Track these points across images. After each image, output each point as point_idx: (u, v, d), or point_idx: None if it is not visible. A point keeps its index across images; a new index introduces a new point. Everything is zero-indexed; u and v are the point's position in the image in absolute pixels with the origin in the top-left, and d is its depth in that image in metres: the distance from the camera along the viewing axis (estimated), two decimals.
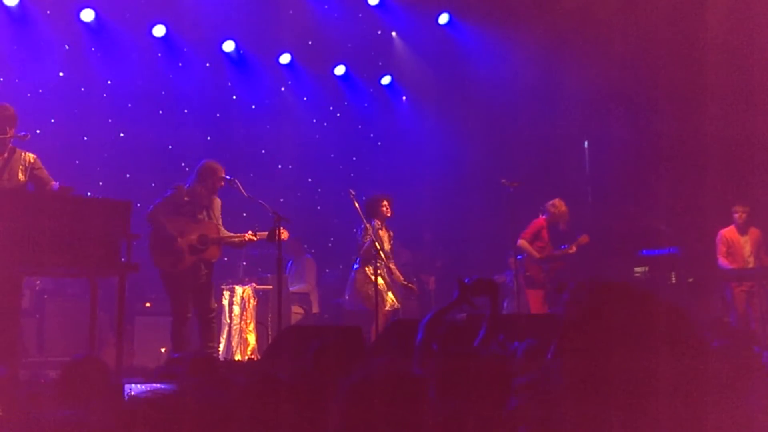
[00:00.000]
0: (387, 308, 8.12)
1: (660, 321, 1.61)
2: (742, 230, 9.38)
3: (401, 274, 8.62)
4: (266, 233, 7.26)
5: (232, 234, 7.36)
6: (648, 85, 11.20)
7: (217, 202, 7.38)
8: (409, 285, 8.47)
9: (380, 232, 8.24)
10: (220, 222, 7.36)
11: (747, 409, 1.91)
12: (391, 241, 8.43)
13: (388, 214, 8.36)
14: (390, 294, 8.16)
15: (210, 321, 7.24)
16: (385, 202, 8.36)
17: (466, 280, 3.88)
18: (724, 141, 9.87)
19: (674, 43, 10.55)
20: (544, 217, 9.48)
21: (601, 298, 1.65)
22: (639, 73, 11.22)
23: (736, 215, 9.37)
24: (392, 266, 8.32)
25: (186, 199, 7.13)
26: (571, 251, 9.41)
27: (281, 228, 7.11)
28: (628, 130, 11.38)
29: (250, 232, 7.36)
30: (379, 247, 7.99)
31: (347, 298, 8.50)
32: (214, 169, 7.26)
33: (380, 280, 8.04)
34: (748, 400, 1.95)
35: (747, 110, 9.68)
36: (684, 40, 10.40)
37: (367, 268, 8.16)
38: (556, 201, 9.43)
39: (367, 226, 8.10)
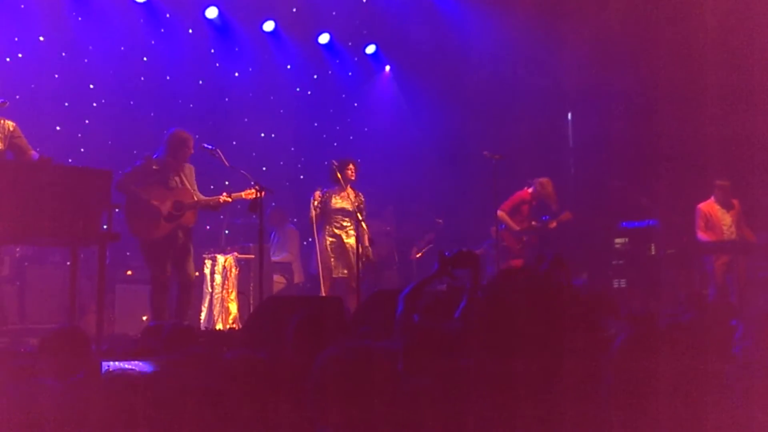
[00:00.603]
0: (333, 275, 8.32)
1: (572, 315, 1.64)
2: (724, 204, 9.39)
3: (381, 243, 8.78)
4: (241, 193, 7.32)
5: (207, 198, 7.36)
6: (648, 83, 11.17)
7: (190, 169, 7.36)
8: (367, 250, 8.46)
9: (342, 194, 8.35)
10: (195, 188, 7.34)
11: (747, 409, 1.92)
12: (359, 205, 8.42)
13: (353, 178, 8.47)
14: (337, 261, 8.32)
15: (189, 288, 7.26)
16: (350, 166, 8.46)
17: (446, 253, 3.91)
18: (724, 141, 9.90)
19: (673, 42, 10.51)
20: (529, 190, 9.54)
21: (507, 282, 1.68)
22: (641, 66, 11.21)
23: (719, 190, 9.36)
24: (350, 228, 8.38)
25: (155, 168, 7.11)
26: (551, 225, 9.50)
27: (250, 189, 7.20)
28: (637, 118, 11.36)
29: (224, 193, 7.37)
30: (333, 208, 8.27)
31: (312, 261, 8.68)
32: (182, 137, 7.23)
33: (329, 246, 8.33)
34: (748, 400, 1.97)
35: (747, 110, 9.71)
36: (684, 40, 10.36)
37: (325, 233, 8.35)
38: (544, 180, 9.50)
39: (316, 194, 8.34)
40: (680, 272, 9.86)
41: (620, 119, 11.15)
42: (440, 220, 11.51)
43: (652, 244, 10.17)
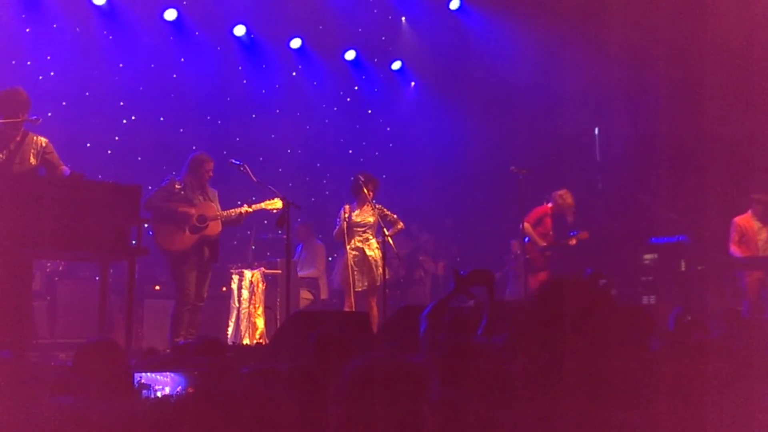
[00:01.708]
0: (357, 289, 8.27)
1: (613, 320, 1.61)
2: (762, 218, 9.17)
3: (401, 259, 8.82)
4: (261, 204, 7.43)
5: (229, 210, 7.45)
6: (652, 82, 11.12)
7: (214, 193, 7.55)
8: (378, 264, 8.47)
9: (363, 208, 8.40)
10: (219, 208, 7.49)
11: (747, 409, 1.90)
12: (379, 217, 8.40)
13: (369, 196, 8.43)
14: (360, 275, 8.30)
15: (197, 309, 7.34)
16: (369, 185, 8.45)
17: (461, 272, 3.96)
18: (734, 140, 9.81)
19: (674, 40, 10.46)
20: (549, 205, 9.50)
21: (559, 294, 1.65)
22: (642, 68, 11.16)
23: (757, 204, 9.20)
24: (371, 241, 8.41)
25: (178, 187, 7.32)
26: (571, 243, 9.44)
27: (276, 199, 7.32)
28: (638, 119, 11.31)
29: (245, 205, 7.48)
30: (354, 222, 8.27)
31: (334, 276, 8.63)
32: (201, 160, 7.45)
33: (352, 260, 8.28)
34: (748, 400, 1.95)
35: (747, 109, 9.62)
36: (716, 45, 10.28)
37: (348, 248, 8.32)
38: (564, 192, 9.44)
39: (345, 208, 8.36)
40: (712, 288, 9.70)
41: (649, 132, 11.06)
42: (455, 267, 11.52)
43: (683, 260, 10.04)
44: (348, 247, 8.31)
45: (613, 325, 1.61)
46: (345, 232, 8.29)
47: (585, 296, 1.64)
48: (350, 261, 8.27)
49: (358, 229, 8.40)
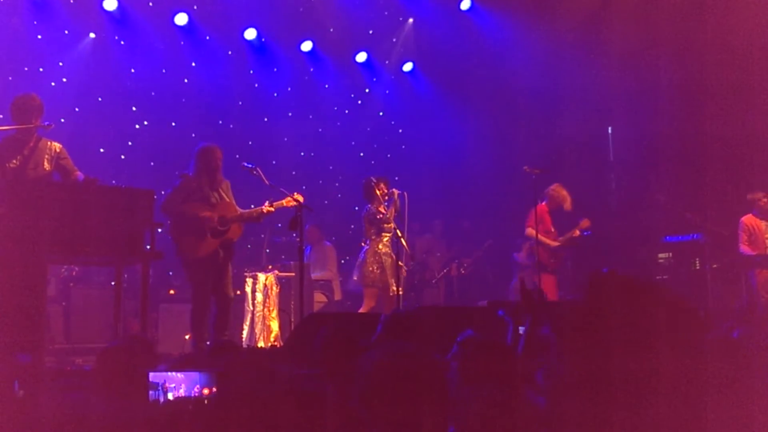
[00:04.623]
0: (392, 293, 8.14)
1: (668, 318, 1.60)
2: (764, 217, 9.21)
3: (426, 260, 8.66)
4: (282, 201, 7.26)
5: (249, 210, 7.33)
6: (654, 82, 11.08)
7: (227, 184, 7.29)
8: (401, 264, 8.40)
9: (380, 208, 8.32)
10: (234, 202, 7.29)
11: (747, 409, 1.89)
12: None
13: (384, 198, 8.37)
14: (393, 278, 8.17)
15: (227, 309, 7.14)
16: (382, 185, 8.40)
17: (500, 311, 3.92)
18: (734, 139, 9.80)
19: (719, 45, 10.39)
20: (543, 203, 9.38)
21: (612, 292, 1.64)
22: (651, 65, 11.13)
23: (761, 202, 9.22)
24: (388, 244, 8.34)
25: (194, 184, 7.09)
26: (574, 235, 9.36)
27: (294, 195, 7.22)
28: (652, 118, 11.25)
29: (267, 203, 7.31)
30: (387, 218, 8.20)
31: (355, 279, 8.48)
32: (205, 149, 7.20)
33: (388, 262, 8.15)
34: (748, 400, 1.94)
35: (747, 109, 9.59)
36: (732, 41, 10.21)
37: (379, 247, 8.20)
38: (556, 186, 9.35)
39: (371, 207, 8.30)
40: (727, 287, 9.65)
41: (662, 131, 11.01)
42: (490, 241, 11.47)
43: (697, 259, 9.98)
44: (379, 245, 8.22)
45: (667, 325, 1.59)
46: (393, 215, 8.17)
47: (641, 293, 1.62)
48: (383, 263, 8.19)
49: (386, 227, 8.29)
